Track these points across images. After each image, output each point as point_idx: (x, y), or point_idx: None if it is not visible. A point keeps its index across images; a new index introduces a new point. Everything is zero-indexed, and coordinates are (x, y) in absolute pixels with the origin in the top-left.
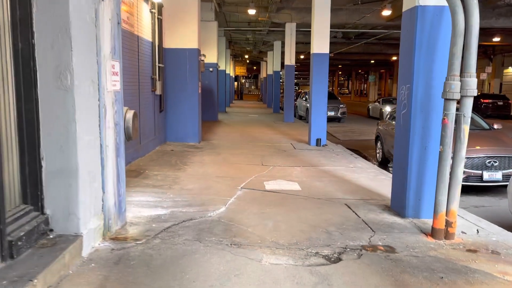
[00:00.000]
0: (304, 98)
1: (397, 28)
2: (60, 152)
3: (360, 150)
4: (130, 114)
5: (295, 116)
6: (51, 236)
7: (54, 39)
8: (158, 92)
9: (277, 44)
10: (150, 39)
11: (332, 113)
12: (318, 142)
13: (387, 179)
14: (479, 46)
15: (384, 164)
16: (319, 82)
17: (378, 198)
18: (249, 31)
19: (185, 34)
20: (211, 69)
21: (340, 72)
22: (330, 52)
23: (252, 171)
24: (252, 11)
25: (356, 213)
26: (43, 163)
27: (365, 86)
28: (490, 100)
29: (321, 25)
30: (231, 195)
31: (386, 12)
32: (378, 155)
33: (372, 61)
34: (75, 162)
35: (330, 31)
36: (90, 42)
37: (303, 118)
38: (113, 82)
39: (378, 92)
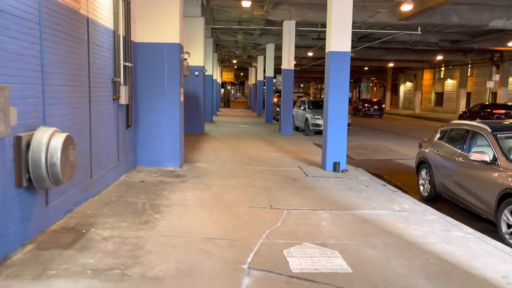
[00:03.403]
0: (302, 107)
1: (410, 28)
2: None
3: (385, 176)
4: (58, 141)
5: None
6: None
7: None
8: (123, 101)
9: (270, 47)
10: (111, 27)
11: None
12: (336, 166)
13: (470, 238)
14: (485, 51)
15: (433, 201)
16: (338, 88)
17: None
18: (239, 31)
19: (163, 24)
20: (196, 73)
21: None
22: (322, 58)
23: (259, 223)
24: (246, 3)
25: None
26: None
27: (355, 94)
28: (503, 111)
29: (342, 16)
30: None
31: (407, 7)
32: (422, 187)
33: (366, 68)
34: None
35: None
36: None
37: (301, 129)
38: None
39: None
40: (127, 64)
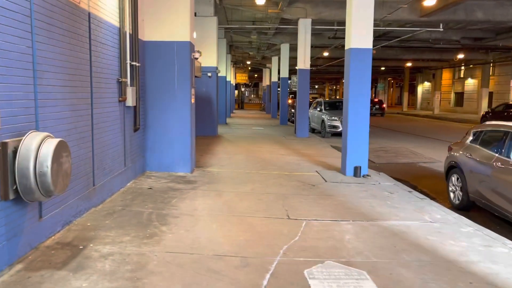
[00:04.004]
0: (318, 109)
1: (431, 25)
2: None
3: (409, 181)
4: (48, 148)
5: None
6: None
7: None
8: (130, 102)
9: (284, 47)
10: (116, 24)
11: None
12: (357, 171)
13: None
14: (509, 49)
15: (465, 209)
16: (358, 87)
17: None
18: (253, 31)
19: (173, 22)
20: (209, 74)
21: (343, 80)
22: (338, 58)
23: (276, 237)
24: (261, 1)
25: None
26: None
27: (371, 94)
28: None
29: (363, 8)
30: None
31: (430, 2)
32: (453, 194)
33: (383, 68)
34: None
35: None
36: None
37: (317, 131)
38: None
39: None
40: (134, 63)
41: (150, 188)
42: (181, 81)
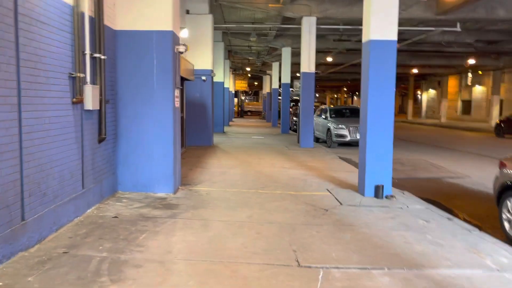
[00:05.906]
0: (322, 116)
1: (447, 24)
2: None
3: (440, 201)
4: None
5: None
6: None
7: None
8: (90, 105)
9: (286, 51)
10: (68, 1)
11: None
12: (378, 191)
13: None
14: None
15: None
16: (380, 88)
17: None
18: (252, 32)
19: (151, 6)
20: (203, 78)
21: (345, 88)
22: (341, 64)
23: None
24: None
25: None
26: None
27: None
28: None
29: None
30: None
31: None
32: (508, 224)
33: None
34: None
35: (354, 32)
36: None
37: (321, 140)
38: None
39: None
40: (98, 55)
41: (115, 217)
42: (161, 79)
